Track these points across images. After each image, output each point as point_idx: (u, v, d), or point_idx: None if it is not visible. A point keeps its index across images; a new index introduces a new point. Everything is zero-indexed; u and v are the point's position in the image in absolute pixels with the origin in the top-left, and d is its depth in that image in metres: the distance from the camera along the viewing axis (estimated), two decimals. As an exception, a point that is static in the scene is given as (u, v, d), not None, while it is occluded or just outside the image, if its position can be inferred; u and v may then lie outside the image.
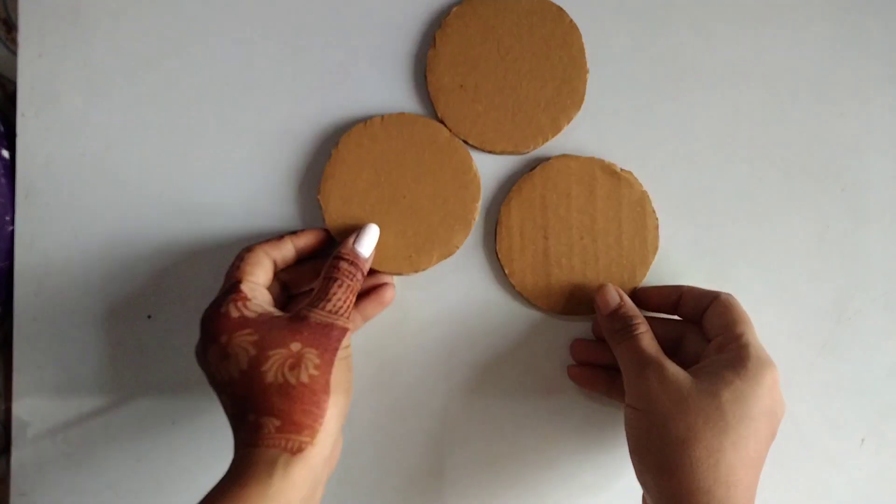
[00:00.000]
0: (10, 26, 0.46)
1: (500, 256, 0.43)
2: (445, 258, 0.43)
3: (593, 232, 0.43)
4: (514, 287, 0.43)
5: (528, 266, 0.43)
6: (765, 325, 0.43)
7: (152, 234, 0.44)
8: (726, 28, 0.44)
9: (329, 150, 0.43)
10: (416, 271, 0.43)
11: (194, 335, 0.44)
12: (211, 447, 0.44)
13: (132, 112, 0.44)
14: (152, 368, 0.44)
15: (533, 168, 0.43)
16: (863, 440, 0.44)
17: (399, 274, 0.43)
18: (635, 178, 0.43)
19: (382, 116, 0.43)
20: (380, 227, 0.42)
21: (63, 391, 0.44)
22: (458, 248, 0.43)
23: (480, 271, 0.44)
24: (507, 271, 0.43)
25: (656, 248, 0.43)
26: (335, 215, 0.42)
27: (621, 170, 0.43)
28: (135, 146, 0.44)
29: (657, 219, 0.43)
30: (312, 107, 0.44)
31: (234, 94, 0.44)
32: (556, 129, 0.43)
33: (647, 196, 0.43)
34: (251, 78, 0.44)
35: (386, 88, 0.44)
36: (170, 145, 0.44)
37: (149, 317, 0.44)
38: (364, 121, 0.43)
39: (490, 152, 0.43)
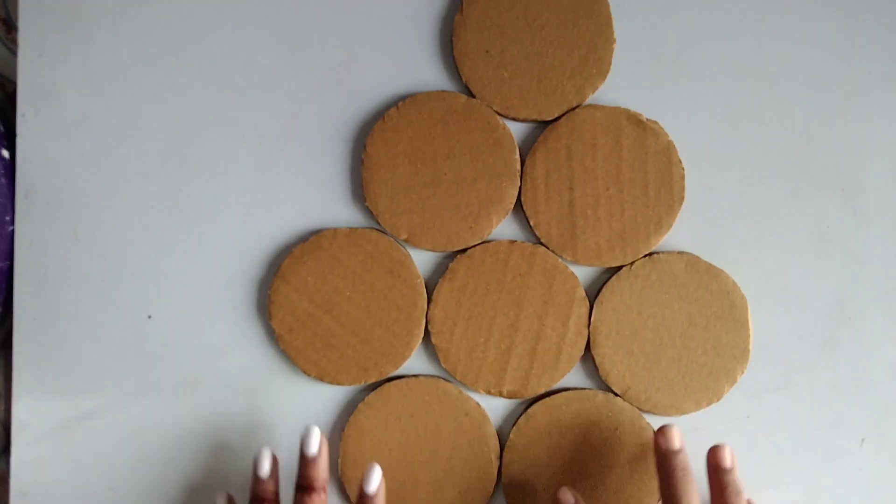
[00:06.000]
0: (10, 26, 0.46)
1: (524, 208, 0.43)
2: (503, 217, 0.43)
3: (619, 182, 0.42)
4: (539, 239, 0.43)
5: (554, 217, 0.42)
6: (765, 325, 0.43)
7: (152, 234, 0.44)
8: (726, 29, 0.44)
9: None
10: (482, 239, 0.43)
11: (194, 335, 0.44)
12: (211, 448, 0.44)
13: (132, 112, 0.44)
14: (152, 368, 0.44)
15: (558, 118, 0.43)
16: (863, 440, 0.44)
17: (467, 247, 0.43)
18: (661, 128, 0.43)
19: (398, 105, 0.43)
20: (432, 209, 0.42)
21: (63, 391, 0.44)
22: (512, 204, 0.43)
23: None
24: (532, 223, 0.43)
25: (682, 198, 0.43)
26: (387, 215, 0.43)
27: (647, 119, 0.42)
28: (135, 146, 0.44)
29: (683, 168, 0.42)
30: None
31: (234, 92, 0.44)
32: (581, 98, 0.43)
33: (673, 145, 0.42)
34: (253, 74, 0.44)
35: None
36: (170, 145, 0.44)
37: (149, 317, 0.44)
38: (382, 117, 0.43)
39: (514, 119, 0.43)
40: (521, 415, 0.43)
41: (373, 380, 0.43)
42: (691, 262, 0.43)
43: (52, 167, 0.44)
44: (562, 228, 0.43)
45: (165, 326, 0.44)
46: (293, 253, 0.43)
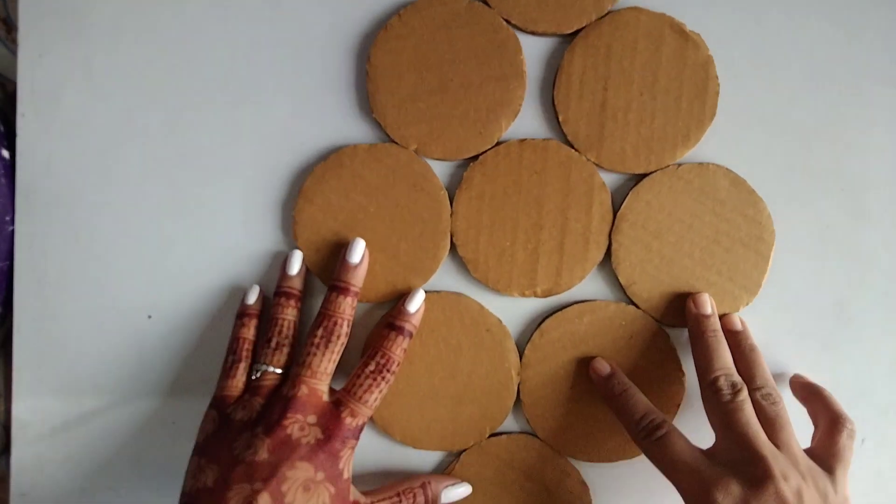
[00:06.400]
0: (10, 26, 0.46)
1: (556, 103, 0.42)
2: (513, 120, 0.42)
3: (654, 90, 0.42)
4: (566, 136, 0.42)
5: (584, 115, 0.42)
6: (765, 324, 0.43)
7: (152, 234, 0.44)
8: (726, 28, 0.44)
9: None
10: (492, 144, 0.42)
11: (194, 335, 0.44)
12: (211, 447, 0.44)
13: (132, 112, 0.44)
14: (152, 368, 0.44)
15: (602, 17, 0.42)
16: (863, 440, 0.44)
17: (479, 153, 0.43)
18: (702, 41, 0.42)
19: (399, 14, 0.42)
20: (440, 117, 0.42)
21: (63, 391, 0.44)
22: (520, 105, 0.42)
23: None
24: (560, 118, 0.42)
25: (714, 113, 0.42)
26: (395, 126, 0.42)
27: (690, 31, 0.42)
28: (135, 146, 0.44)
29: (718, 84, 0.42)
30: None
31: (234, 92, 0.44)
32: (601, 10, 0.42)
33: (712, 60, 0.42)
34: (253, 73, 0.44)
35: None
36: (170, 145, 0.44)
37: (149, 317, 0.44)
38: (384, 26, 0.42)
39: (533, 33, 0.43)
40: (534, 331, 0.43)
41: (400, 295, 0.43)
42: (737, 182, 0.43)
43: (52, 167, 0.44)
44: (590, 128, 0.42)
45: (165, 326, 0.44)
46: (314, 172, 0.43)
